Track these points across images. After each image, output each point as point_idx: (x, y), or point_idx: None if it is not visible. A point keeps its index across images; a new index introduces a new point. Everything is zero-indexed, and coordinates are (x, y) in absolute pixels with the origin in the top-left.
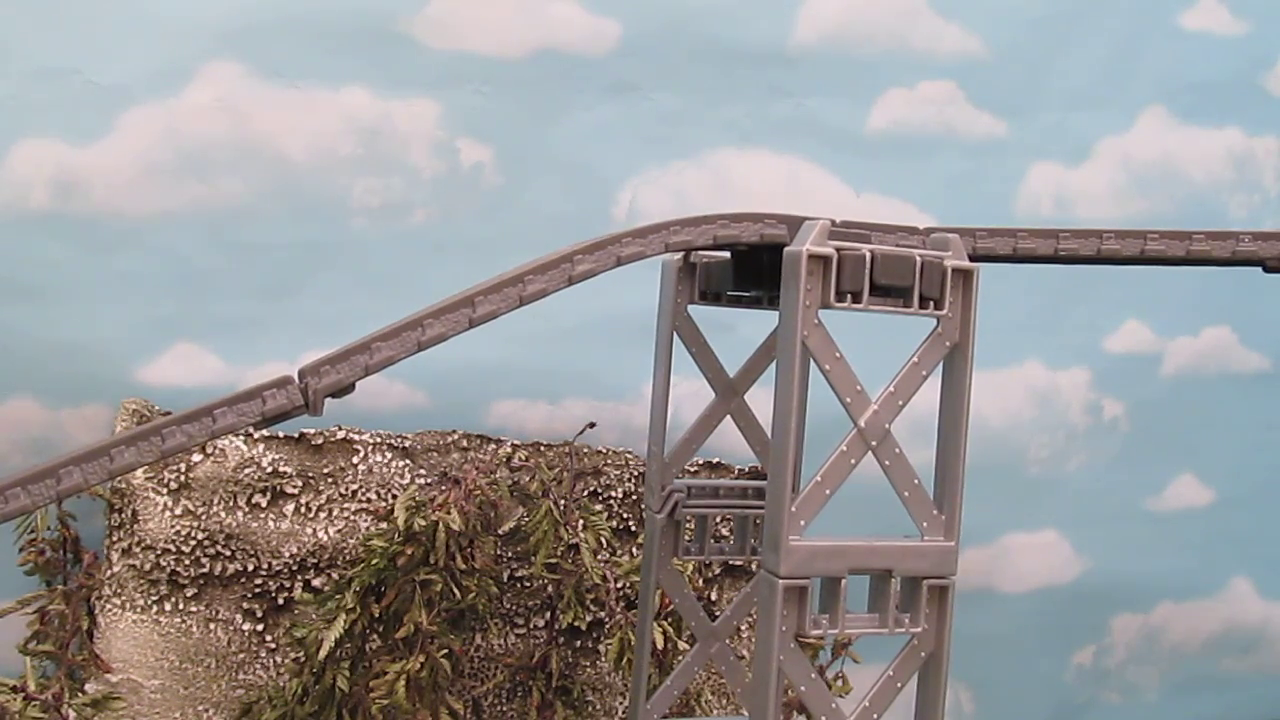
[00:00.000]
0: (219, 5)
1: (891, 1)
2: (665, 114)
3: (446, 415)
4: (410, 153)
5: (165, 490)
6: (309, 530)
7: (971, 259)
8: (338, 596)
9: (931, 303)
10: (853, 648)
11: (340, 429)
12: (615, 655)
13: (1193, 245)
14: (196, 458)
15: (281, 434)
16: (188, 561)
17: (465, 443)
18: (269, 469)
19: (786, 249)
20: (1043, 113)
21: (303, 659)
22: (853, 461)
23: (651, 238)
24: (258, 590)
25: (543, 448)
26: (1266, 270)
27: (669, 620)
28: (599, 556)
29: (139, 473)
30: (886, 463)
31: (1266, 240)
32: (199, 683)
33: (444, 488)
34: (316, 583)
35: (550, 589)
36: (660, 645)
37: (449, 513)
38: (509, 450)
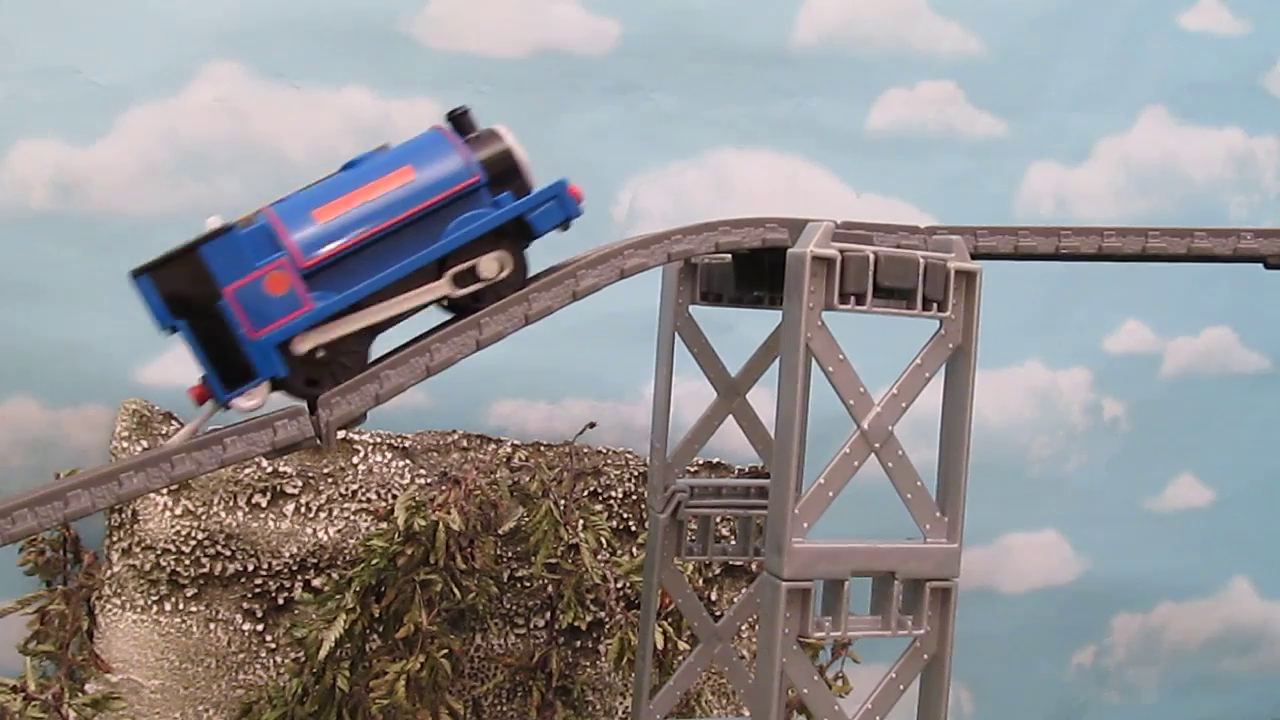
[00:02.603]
0: (219, 5)
1: (891, 1)
2: (665, 114)
3: (446, 415)
4: None
5: (165, 490)
6: (309, 530)
7: (972, 257)
8: (338, 596)
9: (935, 304)
10: (852, 647)
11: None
12: (615, 655)
13: (1194, 243)
14: None
15: None
16: (188, 561)
17: (465, 443)
18: (269, 469)
19: (790, 251)
20: (1043, 113)
21: (303, 659)
22: (856, 464)
23: (654, 248)
24: (258, 590)
25: (543, 448)
26: (1268, 267)
27: (669, 620)
28: (599, 556)
29: None
30: (889, 465)
31: (1268, 237)
32: (199, 683)
33: (444, 488)
34: (316, 583)
35: (550, 589)
36: (660, 645)
37: (449, 513)
38: (509, 450)
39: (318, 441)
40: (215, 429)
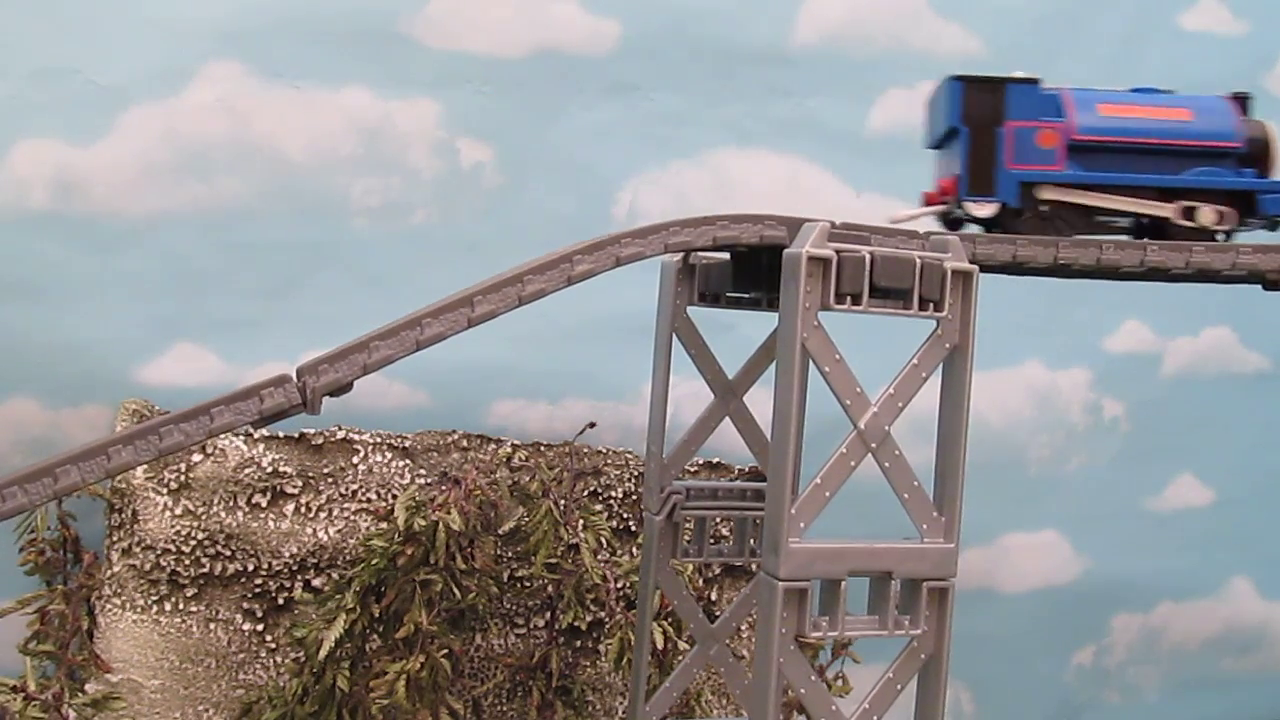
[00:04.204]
0: (219, 5)
1: (891, 1)
2: (665, 114)
3: (446, 415)
4: (410, 153)
5: (165, 490)
6: (309, 530)
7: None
8: (338, 596)
9: (931, 304)
10: (853, 647)
11: (340, 429)
12: (615, 655)
13: (1193, 257)
14: (196, 458)
15: (281, 434)
16: (188, 561)
17: (465, 443)
18: (269, 469)
19: (786, 251)
20: None
21: (303, 659)
22: (852, 464)
23: (651, 238)
24: (258, 590)
25: (543, 448)
26: (1266, 287)
27: (669, 620)
28: (599, 556)
29: (139, 473)
30: (886, 465)
31: (1265, 253)
32: (199, 683)
33: (444, 488)
34: (316, 583)
35: (550, 589)
36: (660, 645)
37: (449, 513)
38: (509, 450)
39: (304, 409)
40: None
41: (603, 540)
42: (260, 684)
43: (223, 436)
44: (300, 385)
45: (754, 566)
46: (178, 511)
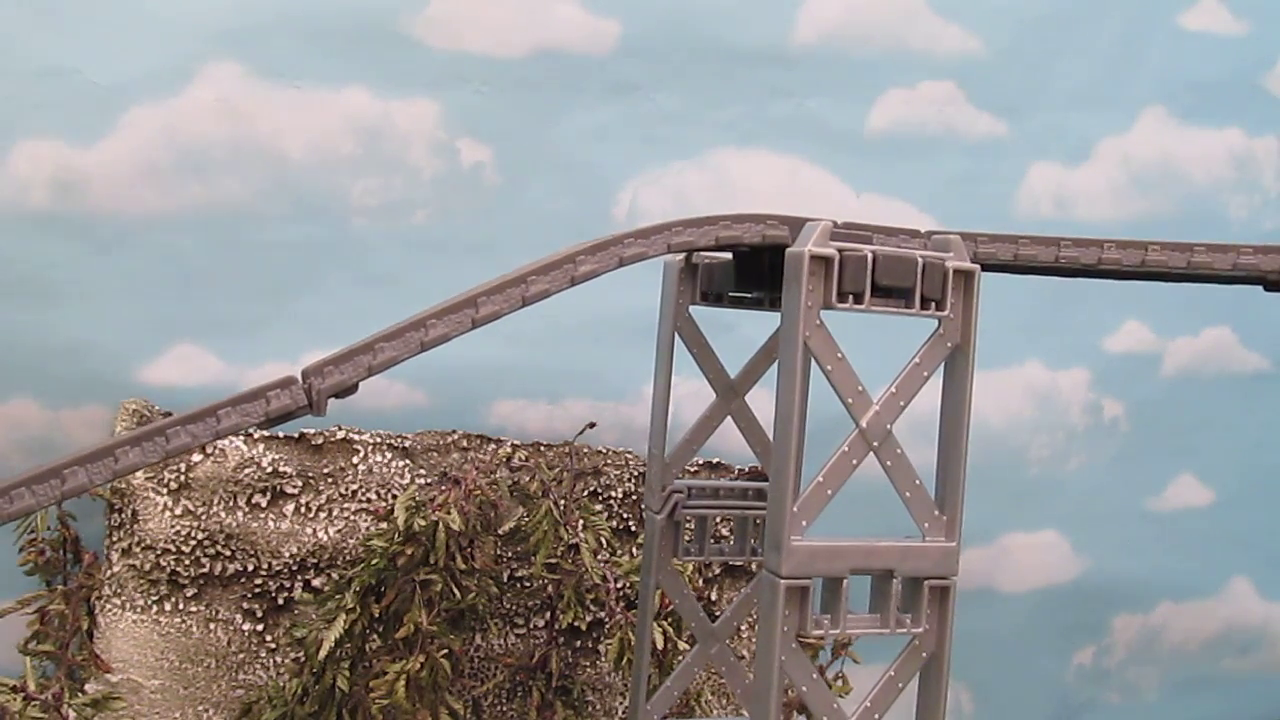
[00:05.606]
0: (219, 5)
1: (891, 1)
2: (665, 114)
3: (446, 415)
4: (410, 153)
5: (165, 490)
6: (309, 530)
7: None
8: (338, 596)
9: (933, 304)
10: (853, 647)
11: (340, 429)
12: (615, 655)
13: (1194, 257)
14: (196, 458)
15: (281, 434)
16: (188, 561)
17: (465, 443)
18: (269, 469)
19: (789, 250)
20: (1043, 113)
21: (303, 659)
22: (854, 462)
23: (654, 238)
24: (258, 590)
25: (543, 448)
26: (1268, 288)
27: (669, 620)
28: (599, 556)
29: (139, 473)
30: (888, 463)
31: (1266, 254)
32: (199, 683)
33: (444, 488)
34: (316, 583)
35: (550, 589)
36: (660, 645)
37: (449, 513)
38: (509, 450)
39: (310, 410)
40: (208, 403)
41: (603, 540)
42: (260, 684)
43: (227, 437)
44: (306, 387)
45: (754, 566)
46: (178, 511)
